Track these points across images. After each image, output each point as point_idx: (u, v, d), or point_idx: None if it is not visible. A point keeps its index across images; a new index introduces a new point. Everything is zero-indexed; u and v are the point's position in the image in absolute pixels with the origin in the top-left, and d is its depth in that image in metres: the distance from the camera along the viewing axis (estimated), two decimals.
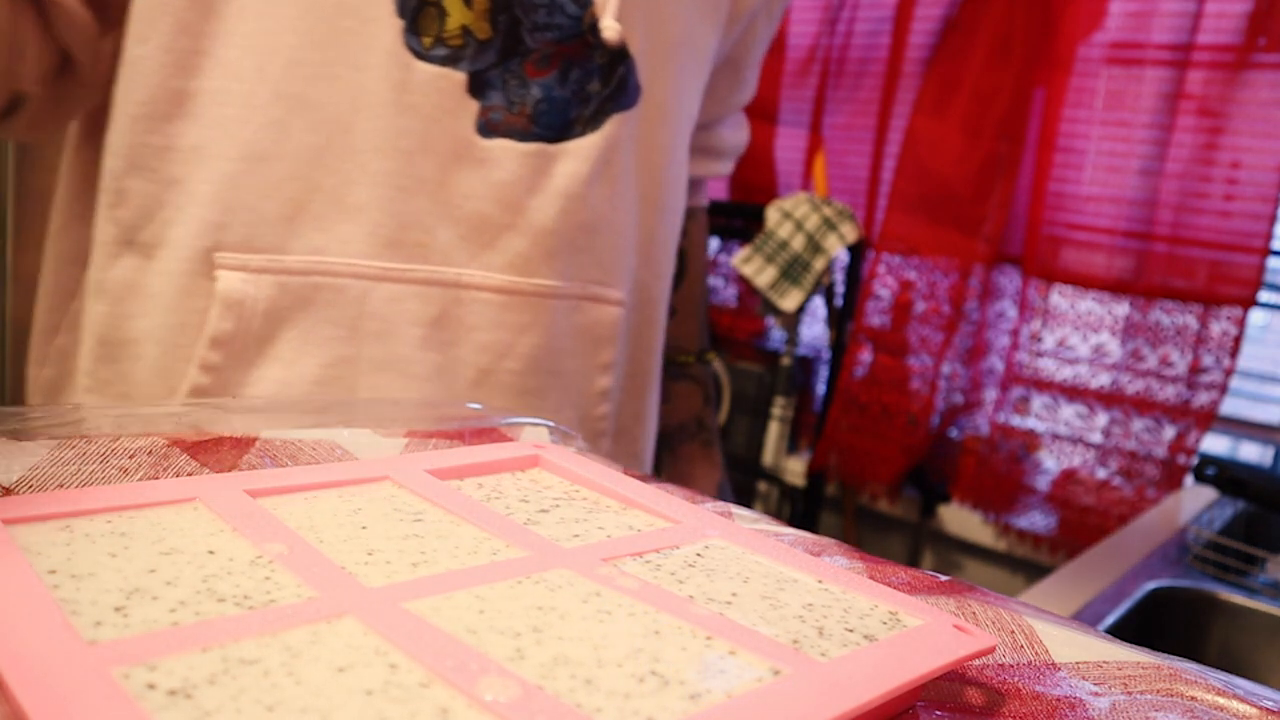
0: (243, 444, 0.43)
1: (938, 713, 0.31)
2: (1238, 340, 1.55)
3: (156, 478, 0.38)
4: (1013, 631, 0.37)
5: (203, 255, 0.60)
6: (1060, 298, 1.72)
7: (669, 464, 0.90)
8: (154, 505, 0.33)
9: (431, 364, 0.65)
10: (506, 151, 0.63)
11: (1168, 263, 1.61)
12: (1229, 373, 1.56)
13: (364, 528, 0.34)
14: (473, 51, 0.61)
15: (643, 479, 0.44)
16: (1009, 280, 1.79)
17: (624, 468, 0.46)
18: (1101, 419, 1.69)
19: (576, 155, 0.65)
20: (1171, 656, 0.37)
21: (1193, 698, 0.34)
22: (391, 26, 0.59)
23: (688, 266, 0.91)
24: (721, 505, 0.47)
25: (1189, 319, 1.59)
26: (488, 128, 0.63)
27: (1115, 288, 1.66)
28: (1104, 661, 0.36)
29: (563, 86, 0.64)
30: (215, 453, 0.41)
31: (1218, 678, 0.35)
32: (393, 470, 0.39)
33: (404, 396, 0.70)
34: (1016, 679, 0.34)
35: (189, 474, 0.39)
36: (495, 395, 0.67)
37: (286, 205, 0.60)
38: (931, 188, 1.78)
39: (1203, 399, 1.58)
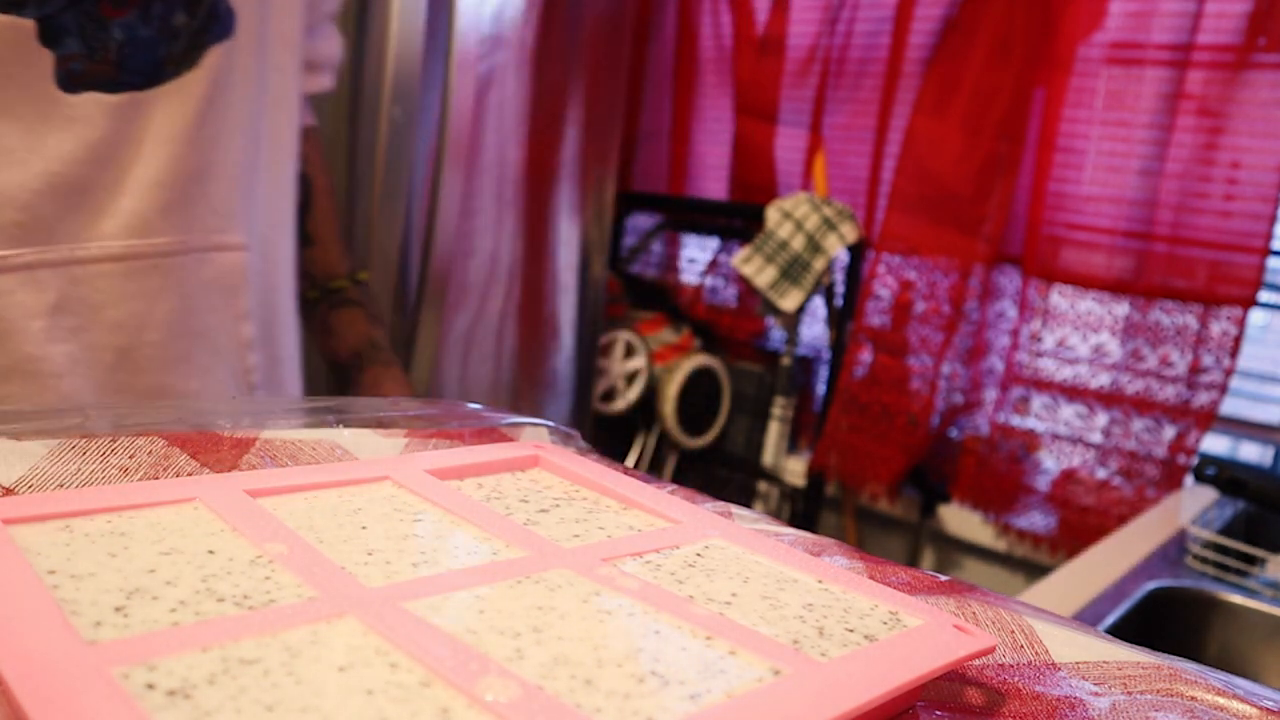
0: (243, 444, 0.43)
1: (938, 713, 0.31)
2: (1238, 340, 1.55)
3: (156, 478, 0.38)
4: (1013, 631, 0.37)
5: None
6: (1060, 298, 1.72)
7: (356, 394, 0.83)
8: (154, 505, 0.33)
9: (64, 356, 0.59)
10: (97, 105, 0.57)
11: (1168, 263, 1.61)
12: (1229, 373, 1.56)
13: (364, 528, 0.34)
14: None
15: (643, 479, 0.44)
16: (1009, 280, 1.79)
17: (624, 467, 0.46)
18: (1101, 419, 1.69)
19: (175, 97, 0.60)
20: (1171, 656, 0.37)
21: (1193, 698, 0.34)
22: None
23: (313, 190, 0.84)
24: (721, 505, 0.47)
25: (1189, 319, 1.59)
26: (69, 80, 0.56)
27: (1115, 288, 1.66)
28: (1104, 661, 0.36)
29: (146, 24, 0.58)
30: (215, 453, 0.41)
31: (1218, 678, 0.35)
32: (393, 470, 0.39)
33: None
34: (1016, 679, 0.34)
35: (189, 474, 0.39)
36: (141, 373, 0.63)
37: None
38: (931, 188, 1.78)
39: (1203, 399, 1.58)
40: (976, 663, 0.34)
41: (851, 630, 0.31)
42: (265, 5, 0.66)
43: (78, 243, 0.59)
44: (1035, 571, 1.76)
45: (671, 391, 1.90)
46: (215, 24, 0.62)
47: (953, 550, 1.90)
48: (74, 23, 0.55)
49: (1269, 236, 1.52)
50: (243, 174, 0.68)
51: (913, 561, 1.91)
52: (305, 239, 0.81)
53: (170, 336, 0.63)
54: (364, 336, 0.84)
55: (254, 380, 0.71)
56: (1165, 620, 0.99)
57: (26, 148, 0.56)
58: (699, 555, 0.36)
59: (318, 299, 0.83)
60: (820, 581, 0.34)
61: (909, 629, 0.31)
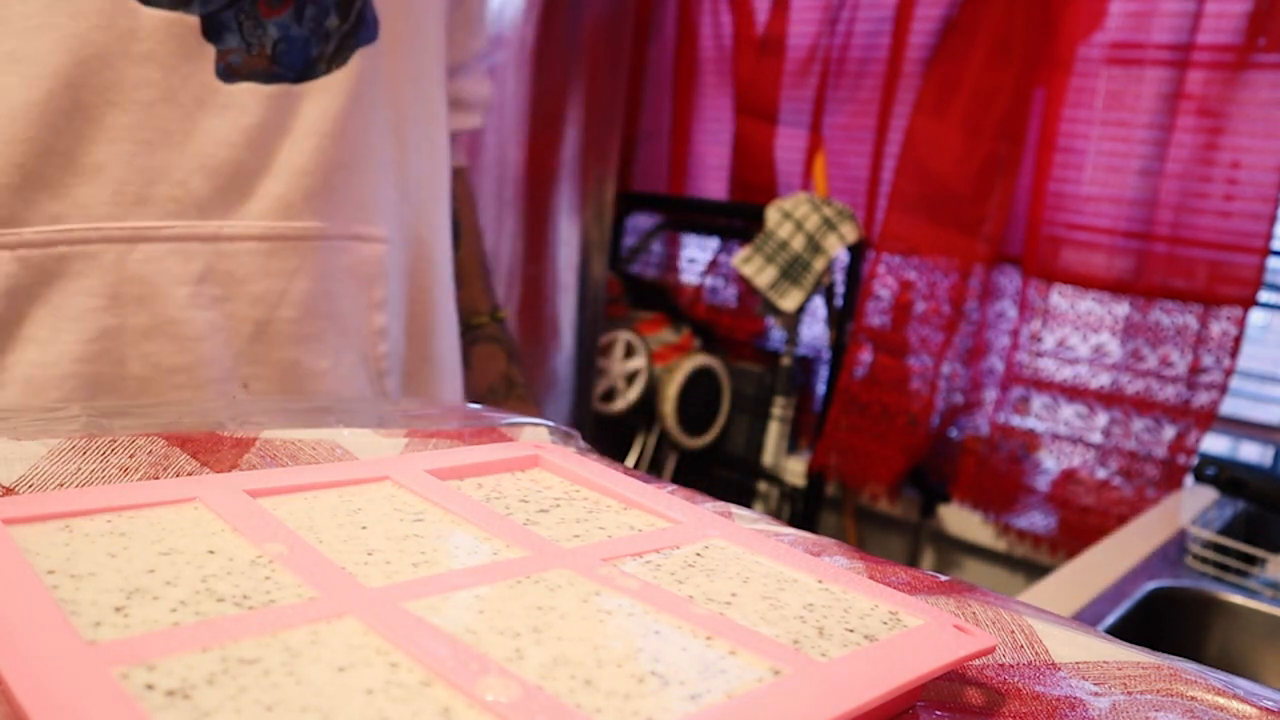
0: (243, 444, 0.43)
1: (938, 713, 0.31)
2: (1238, 340, 1.55)
3: (156, 477, 0.38)
4: (1013, 631, 0.37)
5: None
6: (1060, 298, 1.72)
7: None
8: (154, 505, 0.33)
9: (205, 323, 0.63)
10: (251, 94, 0.62)
11: (1168, 263, 1.61)
12: (1229, 373, 1.56)
13: (364, 528, 0.34)
14: None
15: (643, 479, 0.44)
16: (1009, 280, 1.79)
17: (624, 467, 0.46)
18: (1101, 419, 1.69)
19: (325, 92, 0.65)
20: (1171, 656, 0.37)
21: (1193, 698, 0.34)
22: None
23: (461, 228, 0.90)
24: (721, 505, 0.47)
25: (1189, 319, 1.59)
26: (228, 72, 0.61)
27: (1115, 288, 1.66)
28: (1104, 661, 0.36)
29: (299, 24, 0.63)
30: (215, 453, 0.41)
31: (1218, 678, 0.35)
32: (393, 470, 0.39)
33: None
34: (1016, 679, 0.34)
35: (189, 474, 0.39)
36: (275, 346, 0.66)
37: (12, 173, 0.57)
38: (931, 188, 1.78)
39: (1203, 399, 1.58)
40: (976, 663, 0.34)
41: (852, 630, 0.31)
42: (410, 14, 0.71)
43: (226, 220, 0.63)
44: (1035, 571, 1.76)
45: (671, 391, 1.90)
46: (363, 28, 0.66)
47: (953, 550, 1.90)
48: (233, 20, 0.60)
49: (1269, 236, 1.52)
50: (386, 171, 0.71)
51: (913, 561, 1.91)
52: (456, 268, 0.84)
53: (305, 315, 0.67)
54: (500, 373, 0.89)
55: (384, 368, 0.74)
56: (1165, 620, 0.99)
57: (184, 131, 0.61)
58: (699, 555, 0.36)
59: (459, 334, 0.85)
60: (820, 581, 0.34)
61: (909, 629, 0.31)
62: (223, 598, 0.27)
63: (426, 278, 0.78)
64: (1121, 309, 1.66)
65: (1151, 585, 0.99)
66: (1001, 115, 1.71)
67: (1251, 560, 1.07)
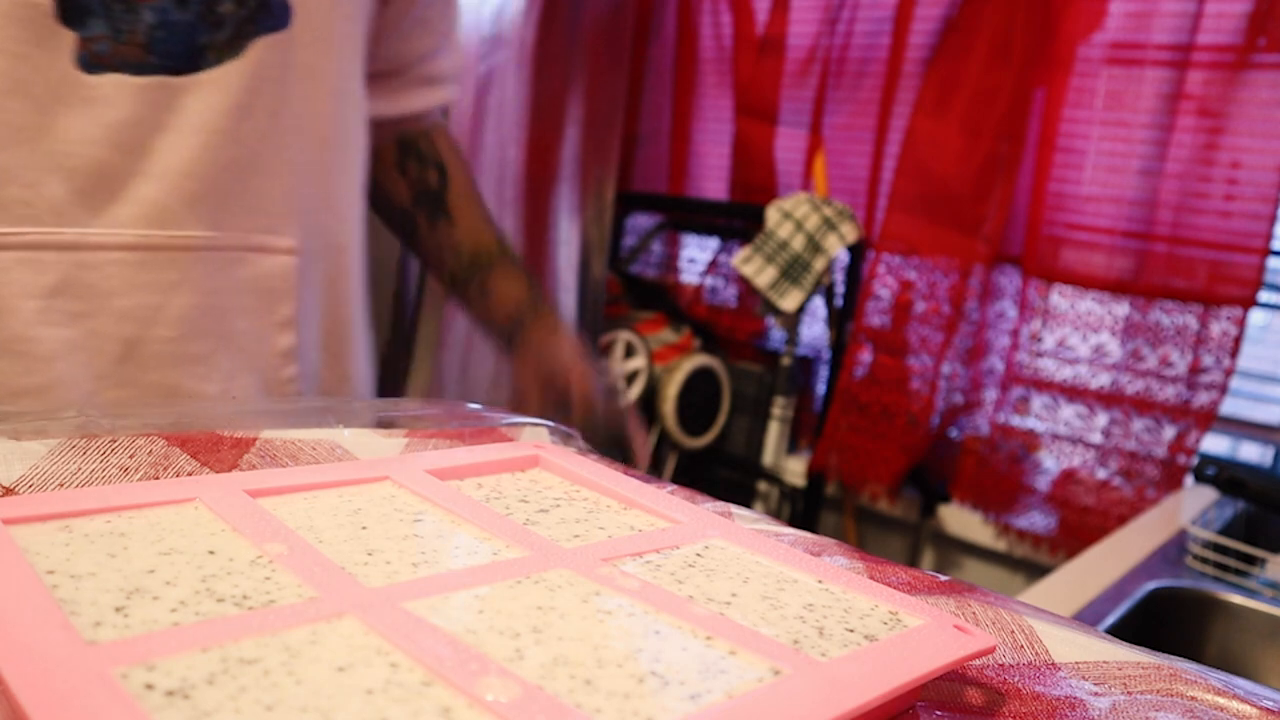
0: (243, 444, 0.43)
1: (938, 713, 0.30)
2: (1238, 340, 1.55)
3: (156, 477, 0.38)
4: (1013, 631, 0.37)
5: None
6: (1060, 298, 1.72)
7: (517, 364, 0.79)
8: (154, 505, 0.33)
9: (60, 340, 0.57)
10: (120, 88, 0.55)
11: (1168, 263, 1.61)
12: (1229, 373, 1.56)
13: (364, 528, 0.34)
14: None
15: (643, 479, 0.44)
16: (1009, 280, 1.79)
17: (624, 467, 0.46)
18: (1101, 419, 1.69)
19: (213, 86, 0.58)
20: (1171, 656, 0.37)
21: (1193, 697, 0.34)
22: None
23: (448, 173, 0.84)
24: (721, 505, 0.47)
25: (1189, 319, 1.59)
26: (92, 61, 0.54)
27: (1115, 288, 1.66)
28: (1104, 661, 0.36)
29: (183, 8, 0.56)
30: (215, 453, 0.41)
31: (1217, 678, 0.35)
32: (393, 470, 0.39)
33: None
34: (1016, 679, 0.34)
35: (189, 474, 0.39)
36: (150, 368, 0.60)
37: None
38: (931, 188, 1.78)
39: (1203, 399, 1.58)
40: (976, 663, 0.34)
41: (852, 630, 0.31)
42: (333, 4, 0.64)
43: (88, 228, 0.57)
44: (1035, 571, 1.76)
45: (671, 391, 1.90)
46: (265, 15, 0.59)
47: (953, 550, 1.90)
48: (98, 4, 0.54)
49: (1269, 236, 1.52)
50: (300, 174, 0.65)
51: (913, 561, 1.91)
52: (446, 215, 0.81)
53: (187, 334, 0.61)
54: (523, 298, 0.81)
55: (292, 391, 0.68)
56: (1165, 620, 0.99)
57: (35, 126, 0.55)
58: (699, 555, 0.36)
59: (469, 274, 0.81)
60: (820, 582, 0.34)
61: (909, 629, 0.31)
62: (223, 598, 0.27)
63: (344, 289, 0.72)
64: (1121, 309, 1.66)
65: (1151, 585, 0.99)
66: (1001, 115, 1.71)
67: (1251, 560, 1.07)
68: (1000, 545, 1.80)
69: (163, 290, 0.59)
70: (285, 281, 0.65)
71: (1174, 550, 1.10)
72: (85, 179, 0.56)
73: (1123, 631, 0.91)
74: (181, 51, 0.57)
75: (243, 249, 0.62)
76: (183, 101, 0.57)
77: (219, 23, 0.58)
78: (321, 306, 0.70)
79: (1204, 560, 1.06)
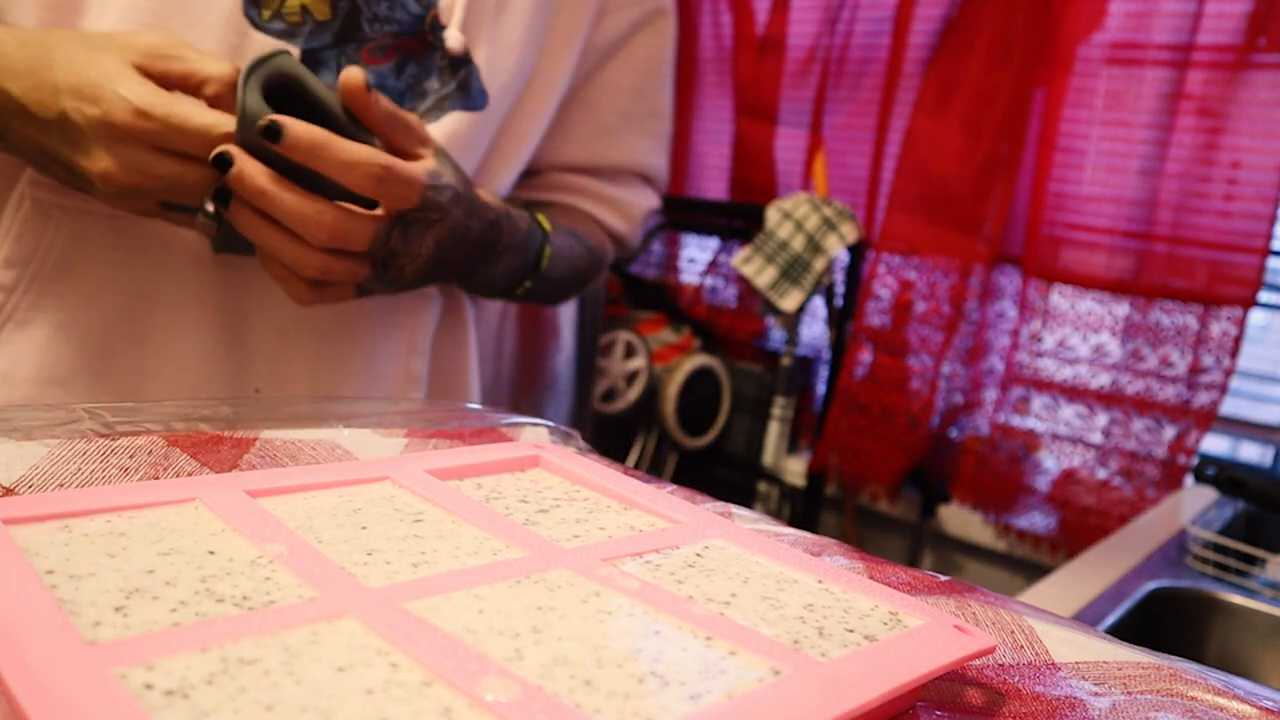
0: (243, 444, 0.42)
1: (938, 713, 0.30)
2: (1238, 340, 1.55)
3: (156, 477, 0.38)
4: (1013, 632, 0.37)
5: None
6: (1060, 298, 1.72)
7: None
8: (154, 505, 0.33)
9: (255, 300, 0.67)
10: None
11: (1168, 263, 1.61)
12: (1229, 373, 1.56)
13: (364, 528, 0.34)
14: (310, 30, 0.62)
15: (643, 479, 0.44)
16: (1009, 280, 1.79)
17: (624, 467, 0.46)
18: (1101, 419, 1.69)
19: None
20: (1171, 656, 0.37)
21: (1193, 698, 0.34)
22: None
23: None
24: (721, 505, 0.47)
25: (1189, 319, 1.59)
26: None
27: (1115, 288, 1.66)
28: (1104, 661, 0.36)
29: (397, 78, 0.66)
30: (215, 453, 0.41)
31: (1217, 678, 0.35)
32: (393, 470, 0.39)
33: (403, 398, 0.70)
34: (1016, 679, 0.34)
35: (189, 474, 0.39)
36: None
37: None
38: (931, 188, 1.78)
39: (1203, 399, 1.58)
40: (976, 663, 0.34)
41: (852, 630, 0.31)
42: (521, 107, 0.75)
43: None
44: (1035, 571, 1.76)
45: (671, 391, 1.90)
46: (466, 96, 0.69)
47: (953, 550, 1.90)
48: (333, 60, 0.63)
49: (1269, 236, 1.52)
50: None
51: (913, 561, 1.91)
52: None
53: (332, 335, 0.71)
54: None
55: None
56: (1165, 620, 0.99)
57: None
58: (699, 555, 0.36)
59: None
60: (820, 582, 0.34)
61: (909, 629, 0.31)
62: (222, 598, 0.27)
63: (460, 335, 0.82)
64: (1121, 309, 1.66)
65: (1151, 585, 0.99)
66: (1001, 115, 1.70)
67: (1251, 560, 1.07)
68: (1000, 545, 1.79)
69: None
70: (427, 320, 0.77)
71: (1174, 550, 1.10)
72: None
73: (1123, 631, 0.91)
74: None
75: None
76: None
77: (423, 95, 0.67)
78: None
79: (1204, 560, 1.06)
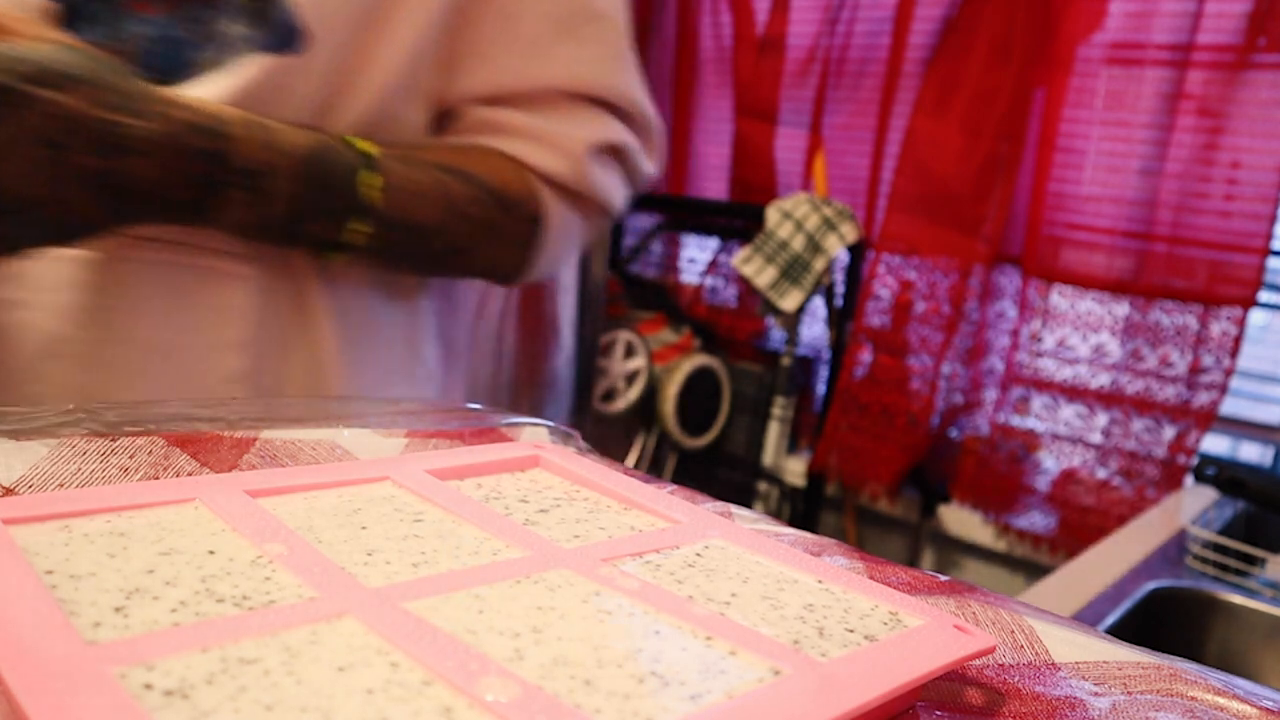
0: (243, 444, 0.42)
1: (938, 713, 0.30)
2: (1238, 340, 1.55)
3: (156, 478, 0.38)
4: (1013, 631, 0.37)
5: None
6: (1060, 298, 1.72)
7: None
8: (154, 505, 0.33)
9: (86, 341, 0.58)
10: None
11: (1168, 263, 1.61)
12: (1229, 373, 1.56)
13: (364, 528, 0.34)
14: None
15: (643, 479, 0.44)
16: (1009, 280, 1.79)
17: (624, 467, 0.46)
18: (1101, 419, 1.69)
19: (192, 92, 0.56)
20: (1171, 656, 0.37)
21: (1193, 698, 0.34)
22: None
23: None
24: (721, 505, 0.47)
25: (1189, 319, 1.59)
26: None
27: (1115, 288, 1.66)
28: (1104, 661, 0.36)
29: (180, 27, 0.56)
30: (215, 453, 0.41)
31: (1217, 677, 0.35)
32: (393, 470, 0.39)
33: (403, 397, 0.66)
34: (1016, 679, 0.34)
35: (189, 474, 0.39)
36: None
37: None
38: (931, 188, 1.78)
39: (1203, 399, 1.58)
40: (976, 663, 0.34)
41: (852, 630, 0.31)
42: (368, 45, 0.61)
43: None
44: (1035, 571, 1.76)
45: (671, 391, 1.90)
46: (270, 36, 0.58)
47: (953, 550, 1.90)
48: (100, 12, 0.55)
49: (1269, 236, 1.52)
50: None
51: (913, 561, 1.91)
52: None
53: (153, 350, 0.60)
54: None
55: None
56: (1165, 620, 0.99)
57: None
58: (699, 555, 0.36)
59: None
60: (820, 582, 0.34)
61: (909, 629, 0.31)
62: (222, 598, 0.27)
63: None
64: (1121, 309, 1.66)
65: (1151, 585, 0.99)
66: (1001, 115, 1.71)
67: (1251, 560, 1.07)
68: (1000, 545, 1.79)
69: (137, 300, 0.60)
70: (233, 298, 0.63)
71: (1174, 550, 1.10)
72: None
73: (1123, 631, 0.91)
74: (170, 65, 0.56)
75: (203, 266, 0.61)
76: None
77: (226, 43, 0.57)
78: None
79: (1204, 560, 1.06)
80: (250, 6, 0.57)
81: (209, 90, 0.56)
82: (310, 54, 0.59)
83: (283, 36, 0.58)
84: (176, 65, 0.56)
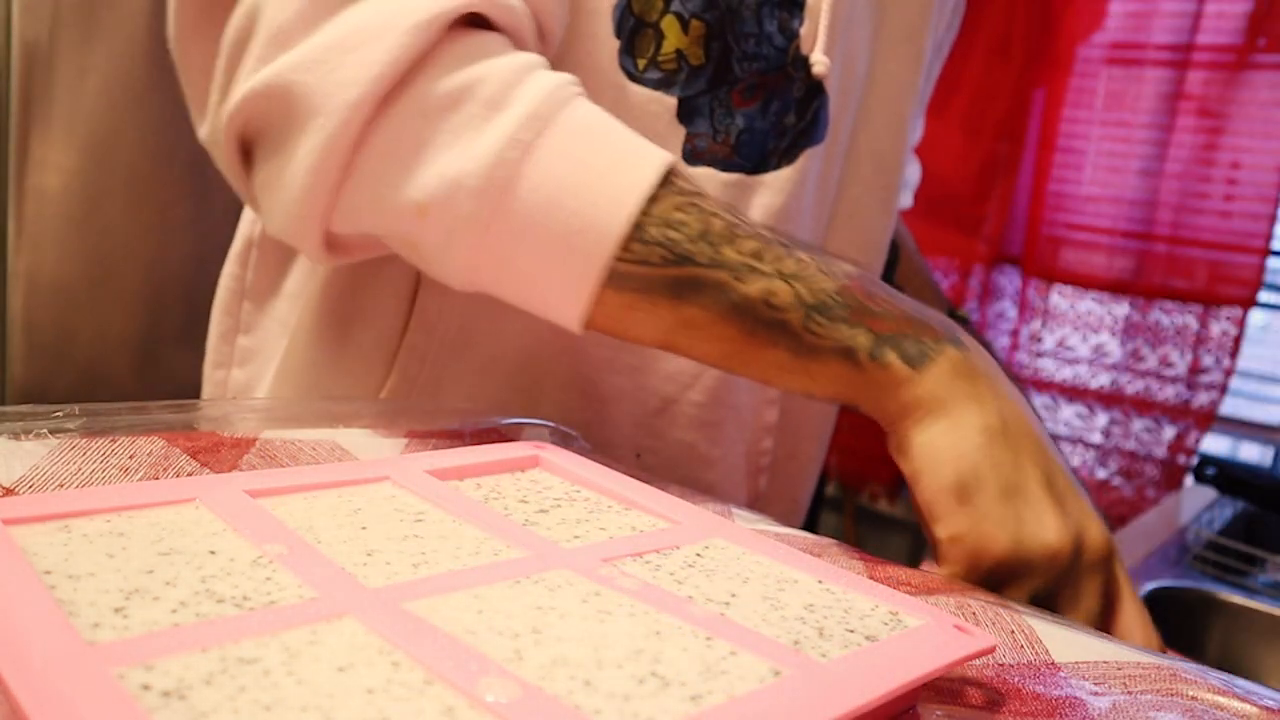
0: (243, 444, 0.43)
1: (938, 713, 0.30)
2: (1237, 340, 1.55)
3: (156, 478, 0.38)
4: (1013, 631, 0.37)
5: None
6: (1060, 298, 1.72)
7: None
8: (154, 505, 0.33)
9: (615, 387, 0.64)
10: (709, 180, 0.62)
11: (1167, 263, 1.61)
12: (1229, 373, 1.56)
13: (364, 528, 0.34)
14: (685, 77, 0.60)
15: (644, 479, 0.44)
16: (1009, 280, 1.79)
17: (625, 467, 0.46)
18: (1101, 419, 1.69)
19: (772, 188, 0.64)
20: (1171, 656, 0.37)
21: (1193, 697, 0.34)
22: (608, 45, 0.59)
23: (900, 250, 0.85)
24: (721, 505, 0.47)
25: (1189, 319, 1.59)
26: (693, 155, 0.62)
27: (1115, 288, 1.66)
28: (1104, 661, 0.36)
29: (764, 118, 0.63)
30: (215, 453, 0.41)
31: (1217, 677, 0.35)
32: (393, 470, 0.39)
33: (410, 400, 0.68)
34: (1017, 679, 0.34)
35: (189, 474, 0.39)
36: (676, 426, 0.66)
37: None
38: (931, 188, 1.77)
39: (1202, 399, 1.58)
40: (977, 663, 0.34)
41: (852, 631, 0.31)
42: (857, 122, 0.70)
43: None
44: None
45: None
46: (815, 130, 0.65)
47: None
48: (707, 106, 0.61)
49: (1269, 236, 1.52)
50: None
51: (913, 561, 1.91)
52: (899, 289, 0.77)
53: (710, 401, 0.65)
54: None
55: (763, 464, 0.73)
56: (1166, 621, 0.99)
57: None
58: (699, 555, 0.36)
59: None
60: (821, 582, 0.34)
61: (909, 629, 0.31)
62: (222, 598, 0.27)
63: None
64: (1121, 309, 1.66)
65: (1152, 585, 0.99)
66: (1001, 115, 1.71)
67: (1251, 560, 1.07)
68: None
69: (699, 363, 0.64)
70: None
71: (1174, 550, 1.10)
72: None
73: None
74: (756, 155, 0.63)
75: None
76: (750, 198, 0.64)
77: (783, 132, 0.64)
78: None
79: (1204, 560, 1.06)
80: (801, 101, 0.64)
81: (782, 181, 0.64)
82: (826, 144, 0.67)
83: (820, 129, 0.66)
84: (761, 155, 0.63)
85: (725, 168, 0.62)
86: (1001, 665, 0.34)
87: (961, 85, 1.74)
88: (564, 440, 0.51)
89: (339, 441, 0.44)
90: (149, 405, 0.44)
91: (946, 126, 1.75)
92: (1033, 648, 0.36)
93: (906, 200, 0.85)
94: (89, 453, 0.38)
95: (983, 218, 1.75)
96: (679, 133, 0.61)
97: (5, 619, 0.24)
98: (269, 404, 0.50)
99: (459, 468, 0.41)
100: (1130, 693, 0.34)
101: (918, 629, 0.31)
